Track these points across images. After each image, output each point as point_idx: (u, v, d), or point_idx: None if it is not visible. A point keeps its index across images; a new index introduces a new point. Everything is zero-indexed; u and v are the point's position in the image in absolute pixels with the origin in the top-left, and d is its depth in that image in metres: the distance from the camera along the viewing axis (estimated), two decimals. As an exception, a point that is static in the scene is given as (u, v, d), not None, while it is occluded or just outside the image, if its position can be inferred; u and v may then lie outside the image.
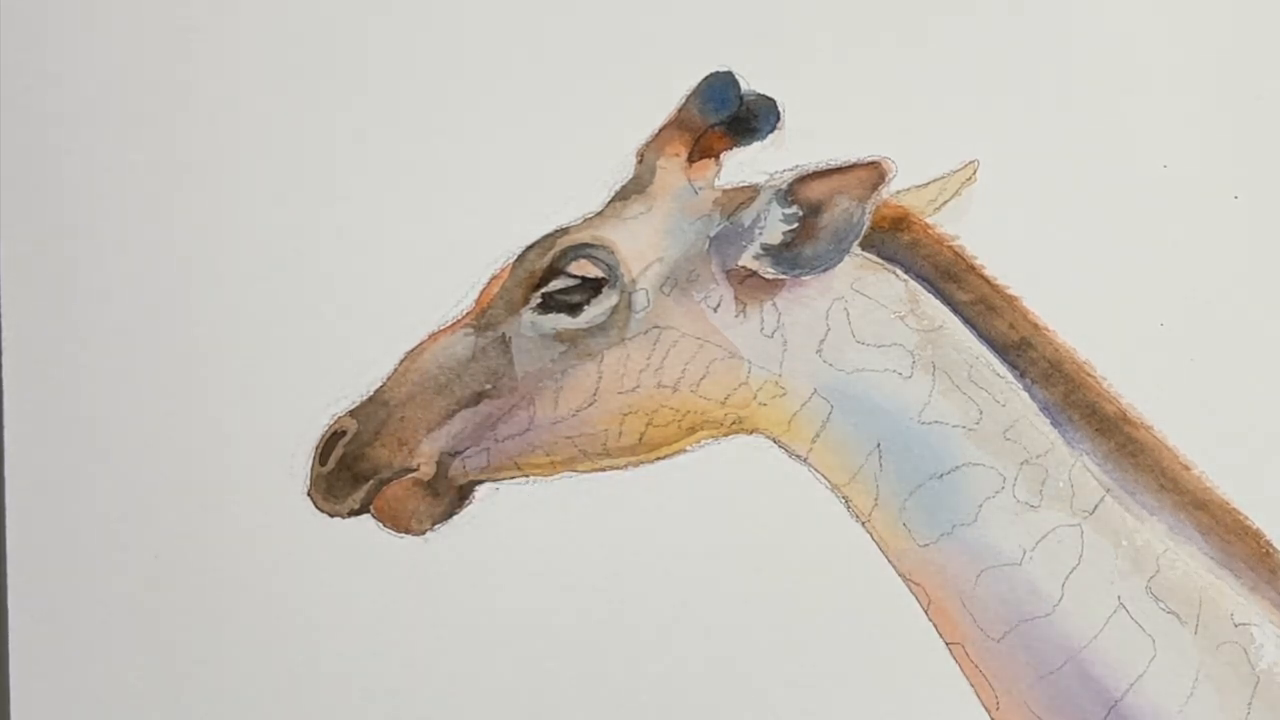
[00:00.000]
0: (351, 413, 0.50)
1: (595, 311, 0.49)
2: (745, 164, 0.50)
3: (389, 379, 0.50)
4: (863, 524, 0.49)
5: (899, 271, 0.49)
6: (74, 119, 0.53)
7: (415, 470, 0.49)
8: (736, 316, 0.49)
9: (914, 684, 0.48)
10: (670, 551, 0.49)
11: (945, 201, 0.50)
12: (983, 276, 0.49)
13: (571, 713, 0.49)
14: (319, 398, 0.50)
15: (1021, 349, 0.49)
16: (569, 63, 0.52)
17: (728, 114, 0.50)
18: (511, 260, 0.50)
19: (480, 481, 0.49)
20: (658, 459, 0.49)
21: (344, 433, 0.50)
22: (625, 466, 0.49)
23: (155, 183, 0.52)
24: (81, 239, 0.52)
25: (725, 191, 0.50)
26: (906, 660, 0.48)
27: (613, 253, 0.49)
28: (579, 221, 0.50)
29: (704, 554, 0.49)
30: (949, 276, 0.49)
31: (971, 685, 0.48)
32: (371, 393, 0.50)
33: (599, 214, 0.50)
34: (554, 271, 0.50)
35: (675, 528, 0.49)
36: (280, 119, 0.52)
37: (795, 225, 0.49)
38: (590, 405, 0.49)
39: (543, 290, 0.50)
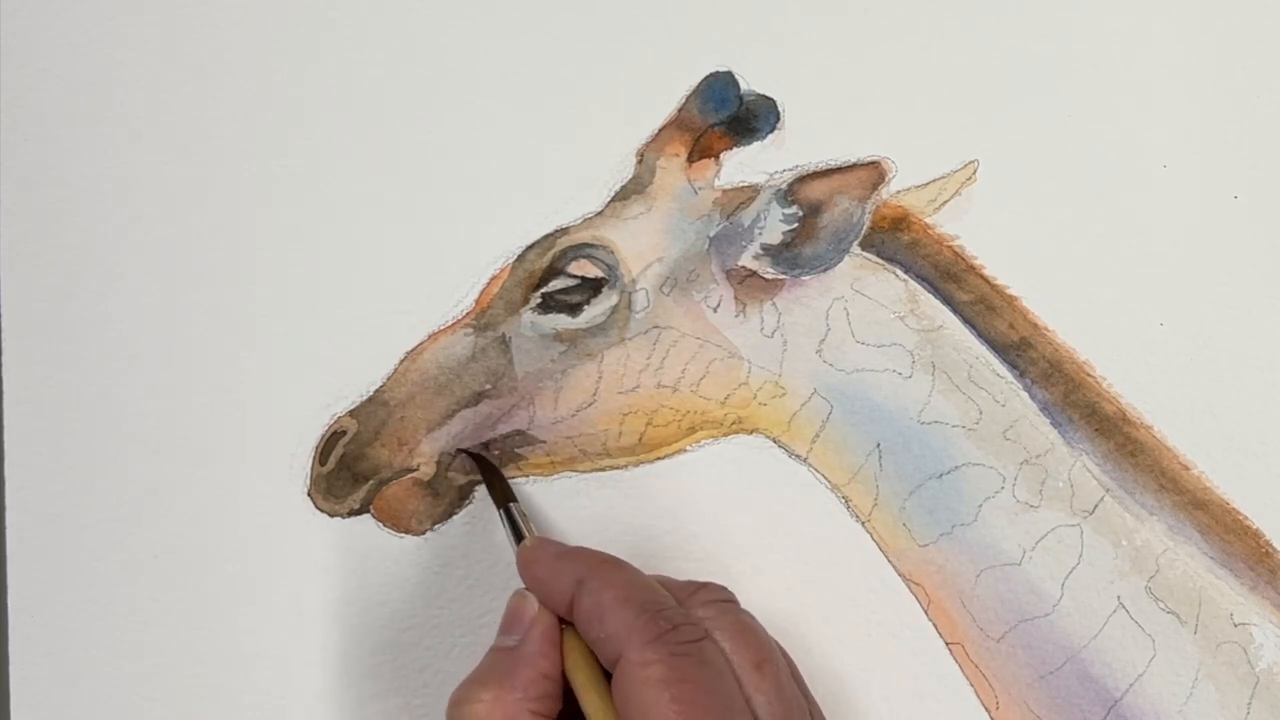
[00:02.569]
0: (351, 413, 0.50)
1: (595, 311, 0.49)
2: (745, 164, 0.50)
3: (389, 379, 0.50)
4: (862, 524, 0.49)
5: (899, 271, 0.49)
6: (74, 119, 0.53)
7: (415, 470, 0.49)
8: (736, 316, 0.49)
9: (914, 684, 0.48)
10: (670, 551, 0.49)
11: (945, 201, 0.50)
12: (983, 276, 0.49)
13: (571, 713, 0.49)
14: (319, 398, 0.50)
15: (1021, 349, 0.49)
16: (569, 63, 0.52)
17: (728, 114, 0.50)
18: (511, 260, 0.50)
19: (480, 481, 0.49)
20: (658, 459, 0.49)
21: (344, 433, 0.50)
22: (625, 466, 0.49)
23: (155, 182, 0.52)
24: (81, 239, 0.52)
25: (725, 191, 0.50)
26: (906, 660, 0.48)
27: (613, 253, 0.49)
28: (579, 221, 0.50)
29: (703, 554, 0.49)
30: (949, 276, 0.49)
31: (971, 685, 0.48)
32: (371, 393, 0.50)
33: (599, 214, 0.50)
34: (554, 271, 0.50)
35: (675, 527, 0.49)
36: (280, 119, 0.52)
37: (795, 225, 0.49)
38: (590, 405, 0.49)
39: (543, 290, 0.50)
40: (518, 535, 0.45)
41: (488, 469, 0.48)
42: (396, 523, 0.49)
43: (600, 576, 0.41)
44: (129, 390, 0.51)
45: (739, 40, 0.51)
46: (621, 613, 0.39)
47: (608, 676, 0.39)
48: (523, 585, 0.43)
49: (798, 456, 0.49)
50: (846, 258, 0.49)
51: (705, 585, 0.42)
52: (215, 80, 0.53)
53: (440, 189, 0.51)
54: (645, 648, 0.38)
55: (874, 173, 0.49)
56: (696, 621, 0.40)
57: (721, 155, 0.50)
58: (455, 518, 0.50)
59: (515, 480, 0.49)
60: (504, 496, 0.47)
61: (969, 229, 0.50)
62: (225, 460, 0.51)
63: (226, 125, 0.52)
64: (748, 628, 0.41)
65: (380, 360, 0.50)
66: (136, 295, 0.52)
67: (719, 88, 0.51)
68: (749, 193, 0.50)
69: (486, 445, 0.49)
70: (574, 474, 0.49)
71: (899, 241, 0.49)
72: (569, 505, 0.49)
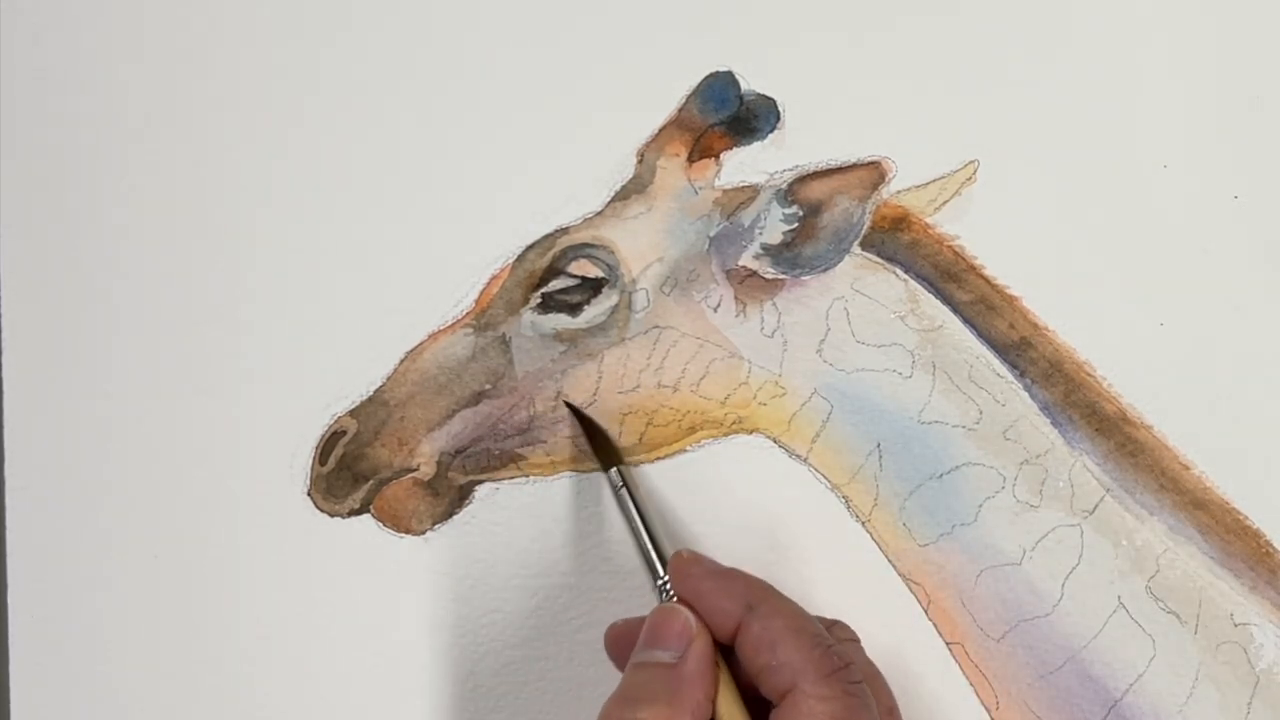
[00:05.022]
0: (351, 413, 0.50)
1: (595, 311, 0.49)
2: (745, 164, 0.50)
3: (389, 379, 0.50)
4: (863, 524, 0.49)
5: (899, 271, 0.49)
6: (75, 119, 0.53)
7: (415, 470, 0.49)
8: (736, 316, 0.49)
9: (914, 684, 0.48)
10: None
11: (945, 201, 0.50)
12: (983, 276, 0.49)
13: (572, 713, 0.49)
14: (319, 398, 0.50)
15: (1021, 349, 0.49)
16: (569, 62, 0.52)
17: (728, 114, 0.50)
18: (511, 260, 0.50)
19: (480, 481, 0.49)
20: (658, 459, 0.49)
21: (344, 433, 0.50)
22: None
23: (155, 182, 0.52)
24: (82, 238, 0.52)
25: (725, 191, 0.50)
26: (907, 660, 0.48)
27: (613, 253, 0.49)
28: (579, 221, 0.50)
29: (704, 554, 0.49)
30: (949, 276, 0.49)
31: (971, 685, 0.48)
32: (371, 393, 0.50)
33: (599, 214, 0.50)
34: (554, 271, 0.50)
35: (675, 528, 0.49)
36: (280, 119, 0.52)
37: (795, 225, 0.49)
38: (590, 405, 0.49)
39: (543, 290, 0.50)
40: (634, 517, 0.44)
41: (592, 428, 0.48)
42: (396, 523, 0.49)
43: (770, 603, 0.39)
44: (129, 390, 0.51)
45: (739, 40, 0.51)
46: (796, 642, 0.38)
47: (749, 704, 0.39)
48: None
49: (798, 456, 0.49)
50: (846, 258, 0.49)
51: (837, 622, 0.42)
52: (216, 81, 0.53)
53: (440, 189, 0.51)
54: (822, 682, 0.37)
55: (874, 173, 0.49)
56: (856, 661, 0.39)
57: (721, 155, 0.50)
58: (455, 518, 0.50)
59: (515, 481, 0.49)
60: (612, 458, 0.46)
61: (969, 229, 0.50)
62: (225, 460, 0.51)
63: (227, 126, 0.52)
64: (878, 672, 0.41)
65: (380, 360, 0.50)
66: (136, 295, 0.52)
67: (719, 88, 0.51)
68: (749, 193, 0.50)
69: (486, 446, 0.49)
70: (574, 474, 0.49)
71: (899, 241, 0.49)
72: (569, 505, 0.49)
